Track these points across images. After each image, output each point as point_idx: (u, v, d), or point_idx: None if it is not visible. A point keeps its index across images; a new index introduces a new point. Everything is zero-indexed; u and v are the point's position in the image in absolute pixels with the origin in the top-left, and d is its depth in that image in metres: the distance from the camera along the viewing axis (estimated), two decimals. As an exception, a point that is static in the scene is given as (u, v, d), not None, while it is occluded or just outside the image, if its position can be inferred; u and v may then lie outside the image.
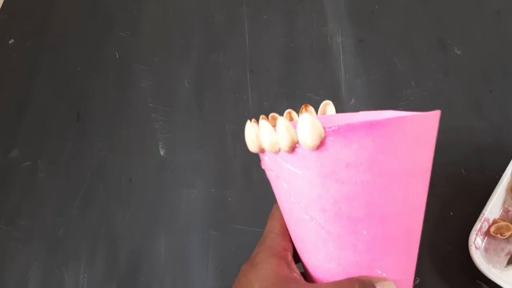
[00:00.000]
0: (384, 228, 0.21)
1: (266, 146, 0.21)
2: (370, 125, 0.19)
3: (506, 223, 0.32)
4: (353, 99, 0.42)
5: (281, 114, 0.25)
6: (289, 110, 0.27)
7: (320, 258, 0.22)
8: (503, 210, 0.33)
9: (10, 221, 0.42)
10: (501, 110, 0.40)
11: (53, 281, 0.39)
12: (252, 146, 0.22)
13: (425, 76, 0.43)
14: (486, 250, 0.32)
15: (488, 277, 0.30)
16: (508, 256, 0.32)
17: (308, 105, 0.27)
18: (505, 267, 0.32)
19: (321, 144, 0.19)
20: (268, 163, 0.22)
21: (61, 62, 0.51)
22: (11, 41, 0.54)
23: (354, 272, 0.22)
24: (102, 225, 0.41)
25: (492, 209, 0.33)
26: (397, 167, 0.20)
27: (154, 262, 0.38)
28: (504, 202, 0.33)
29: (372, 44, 0.46)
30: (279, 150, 0.21)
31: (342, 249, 0.21)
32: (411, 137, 0.20)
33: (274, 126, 0.25)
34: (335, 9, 0.49)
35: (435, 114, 0.22)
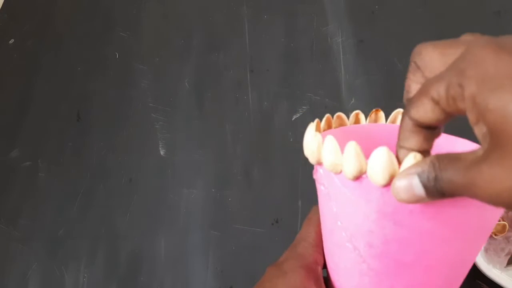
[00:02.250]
0: (426, 277, 0.20)
1: (326, 164, 0.19)
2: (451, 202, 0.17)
3: (504, 223, 0.32)
4: (353, 99, 0.42)
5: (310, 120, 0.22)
6: (357, 111, 0.25)
7: (351, 286, 0.21)
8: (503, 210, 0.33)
9: (10, 221, 0.42)
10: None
11: (53, 281, 0.39)
12: (310, 157, 0.21)
13: (425, 76, 0.43)
14: (486, 250, 0.32)
15: (488, 277, 0.30)
16: (508, 256, 0.32)
17: (379, 110, 0.25)
18: (505, 267, 0.32)
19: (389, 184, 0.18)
20: (322, 178, 0.21)
21: (61, 62, 0.51)
22: (11, 41, 0.54)
23: None
24: (102, 225, 0.41)
25: (492, 209, 0.33)
26: (461, 223, 0.19)
27: (154, 262, 0.38)
28: (504, 202, 0.33)
29: (372, 44, 0.46)
30: (340, 172, 0.19)
31: (378, 286, 0.21)
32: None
33: (337, 126, 0.24)
34: (335, 9, 0.49)
35: None
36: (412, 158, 0.17)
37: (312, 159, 0.20)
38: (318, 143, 0.20)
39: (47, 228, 0.41)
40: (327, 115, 0.23)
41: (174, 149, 0.43)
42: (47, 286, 0.38)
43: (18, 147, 0.46)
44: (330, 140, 0.19)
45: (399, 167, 0.17)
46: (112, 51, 0.50)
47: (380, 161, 0.18)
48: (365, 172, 0.18)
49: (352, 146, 0.18)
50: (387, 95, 0.42)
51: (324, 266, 0.23)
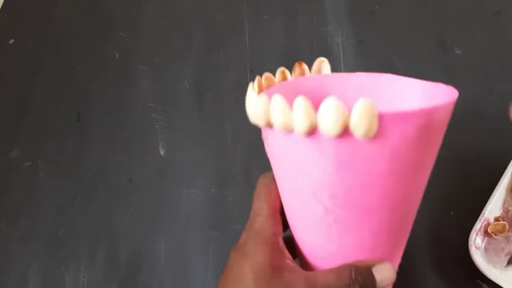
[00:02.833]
0: (392, 216, 0.21)
1: (277, 125, 0.19)
2: (401, 118, 0.17)
3: (504, 222, 0.32)
4: (353, 99, 0.42)
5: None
6: (282, 68, 0.24)
7: (319, 239, 0.21)
8: (503, 210, 0.33)
9: (10, 221, 0.42)
10: (501, 110, 0.40)
11: (53, 281, 0.39)
12: (257, 120, 0.20)
13: (425, 76, 0.43)
14: (486, 250, 0.32)
15: (488, 277, 0.30)
16: (508, 256, 0.32)
17: (302, 62, 0.25)
18: (505, 267, 0.32)
19: (344, 131, 0.17)
20: (273, 140, 0.20)
21: (61, 62, 0.51)
22: (11, 41, 0.54)
23: (353, 255, 0.21)
24: (102, 225, 0.41)
25: (492, 209, 0.33)
26: (414, 159, 0.19)
27: (154, 262, 0.38)
28: (504, 202, 0.33)
29: (372, 44, 0.46)
30: (292, 131, 0.18)
31: (346, 234, 0.21)
32: (439, 127, 0.20)
33: (268, 87, 0.24)
34: (335, 9, 0.49)
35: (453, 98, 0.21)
36: (361, 102, 0.16)
37: (260, 122, 0.20)
38: (265, 104, 0.19)
39: (47, 228, 0.41)
40: (257, 76, 0.22)
41: (174, 149, 0.43)
42: (47, 286, 0.38)
43: (18, 147, 0.46)
44: (278, 98, 0.18)
45: (349, 114, 0.17)
46: (112, 51, 0.50)
47: (330, 112, 0.17)
48: (316, 127, 0.18)
49: (300, 102, 0.17)
50: (387, 95, 0.42)
51: (285, 230, 0.23)
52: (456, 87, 0.44)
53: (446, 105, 0.20)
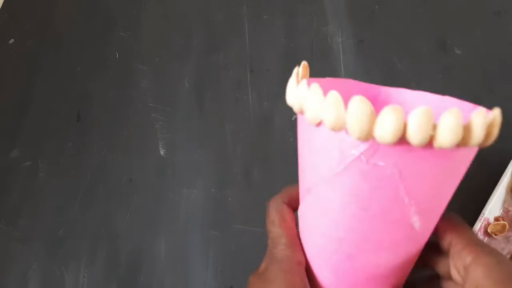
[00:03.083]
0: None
1: (417, 139, 0.16)
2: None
3: (504, 222, 0.32)
4: (353, 99, 0.42)
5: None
6: (305, 63, 0.23)
7: (393, 256, 0.20)
8: (503, 210, 0.33)
9: (10, 221, 0.42)
10: (501, 110, 0.40)
11: (53, 281, 0.39)
12: (371, 128, 0.17)
13: (425, 76, 0.43)
14: (486, 250, 0.32)
15: (488, 277, 0.30)
16: (508, 256, 0.32)
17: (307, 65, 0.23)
18: (505, 267, 0.32)
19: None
20: (377, 156, 0.18)
21: (61, 62, 0.51)
22: (11, 41, 0.54)
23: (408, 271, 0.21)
24: (102, 225, 0.41)
25: (492, 209, 0.33)
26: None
27: (154, 262, 0.38)
28: (504, 202, 0.33)
29: (372, 44, 0.46)
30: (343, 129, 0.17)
31: (412, 249, 0.21)
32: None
33: (303, 77, 0.23)
34: (335, 9, 0.49)
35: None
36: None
37: (389, 137, 0.17)
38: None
39: (47, 228, 0.41)
40: (297, 67, 0.21)
41: (174, 149, 0.43)
42: (47, 286, 0.38)
43: (18, 147, 0.46)
44: (427, 111, 0.16)
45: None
46: (112, 51, 0.50)
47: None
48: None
49: (451, 117, 0.16)
50: (387, 95, 0.42)
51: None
52: (456, 87, 0.44)
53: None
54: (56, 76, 0.50)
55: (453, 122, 0.16)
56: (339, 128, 0.17)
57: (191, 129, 0.44)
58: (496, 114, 0.18)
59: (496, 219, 0.33)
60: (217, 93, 0.46)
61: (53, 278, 0.39)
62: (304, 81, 0.19)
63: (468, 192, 0.37)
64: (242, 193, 0.40)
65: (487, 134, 0.18)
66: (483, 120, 0.18)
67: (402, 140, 0.16)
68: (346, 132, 0.17)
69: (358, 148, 0.17)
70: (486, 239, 0.33)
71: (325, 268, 0.21)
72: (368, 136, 0.16)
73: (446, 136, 0.16)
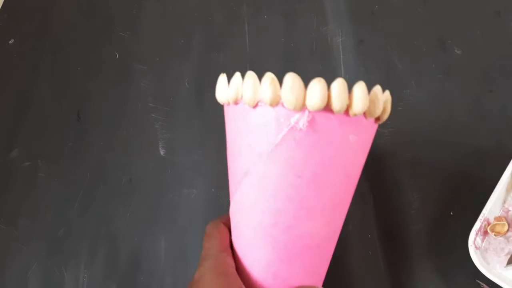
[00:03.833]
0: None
1: (336, 106, 0.21)
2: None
3: (504, 222, 0.32)
4: (353, 99, 0.42)
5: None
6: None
7: (322, 224, 0.23)
8: (503, 210, 0.33)
9: (10, 221, 0.42)
10: (501, 110, 0.40)
11: (53, 281, 0.39)
12: (302, 99, 0.21)
13: (425, 76, 0.43)
14: (486, 250, 0.32)
15: (488, 277, 0.30)
16: (508, 256, 0.32)
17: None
18: (505, 267, 0.32)
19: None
20: (311, 123, 0.22)
21: (61, 62, 0.51)
22: (11, 41, 0.54)
23: (335, 240, 0.24)
24: (102, 225, 0.41)
25: (492, 209, 0.33)
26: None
27: (154, 262, 0.38)
28: (504, 202, 0.33)
29: (372, 44, 0.46)
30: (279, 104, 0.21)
31: (342, 215, 0.24)
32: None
33: None
34: (335, 9, 0.49)
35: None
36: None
37: (316, 104, 0.21)
38: (326, 86, 0.22)
39: (47, 228, 0.41)
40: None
41: (174, 149, 0.43)
42: (47, 286, 0.38)
43: (18, 147, 0.46)
44: (343, 82, 0.21)
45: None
46: (112, 51, 0.50)
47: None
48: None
49: (362, 86, 0.21)
50: (387, 95, 0.42)
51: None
52: (456, 87, 0.44)
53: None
54: (56, 76, 0.50)
55: (362, 92, 0.21)
56: (276, 102, 0.21)
57: (191, 129, 0.44)
58: (387, 93, 0.23)
59: (496, 219, 0.33)
60: (217, 93, 0.46)
61: (53, 278, 0.39)
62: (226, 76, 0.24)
63: (468, 192, 0.37)
64: (242, 193, 0.40)
65: (385, 109, 0.23)
66: (381, 95, 0.22)
67: (327, 108, 0.21)
68: (282, 105, 0.21)
69: (293, 117, 0.21)
70: (486, 239, 0.33)
71: (263, 252, 0.23)
72: (301, 106, 0.21)
73: (358, 104, 0.21)
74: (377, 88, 0.22)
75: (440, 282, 0.34)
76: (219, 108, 0.46)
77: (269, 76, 0.21)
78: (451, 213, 0.36)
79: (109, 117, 0.46)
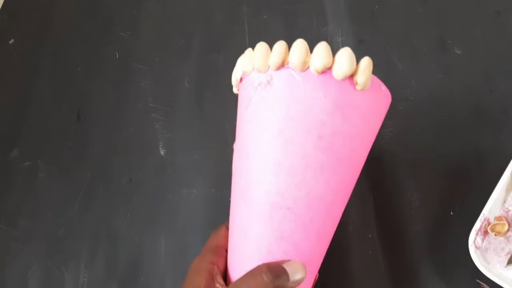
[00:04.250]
0: (351, 177, 0.24)
1: (294, 62, 0.22)
2: (381, 85, 0.24)
3: (504, 222, 0.32)
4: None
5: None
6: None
7: (290, 183, 0.23)
8: (503, 210, 0.33)
9: (10, 221, 0.42)
10: (501, 110, 0.40)
11: (53, 281, 0.39)
12: (266, 61, 0.23)
13: (425, 76, 0.43)
14: (486, 250, 0.32)
15: (488, 277, 0.30)
16: (508, 256, 0.32)
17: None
18: (505, 267, 0.32)
19: (349, 78, 0.22)
20: (271, 83, 0.23)
21: (61, 62, 0.51)
22: (11, 41, 0.54)
23: (317, 207, 0.23)
24: (102, 225, 0.41)
25: (492, 209, 0.33)
26: (373, 129, 0.24)
27: (154, 262, 0.38)
28: (504, 202, 0.33)
29: (372, 44, 0.46)
30: (307, 69, 0.22)
31: (318, 180, 0.23)
32: (385, 111, 0.25)
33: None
34: (335, 9, 0.49)
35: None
36: (367, 59, 0.22)
37: (274, 62, 0.23)
38: (285, 47, 0.24)
39: (47, 228, 0.41)
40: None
41: (174, 149, 0.43)
42: (47, 286, 0.38)
43: (18, 147, 0.46)
44: (300, 41, 0.23)
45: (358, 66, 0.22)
46: (112, 51, 0.50)
47: (345, 58, 0.21)
48: (330, 67, 0.22)
49: (323, 44, 0.22)
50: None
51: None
52: (456, 87, 0.44)
53: (389, 98, 0.26)
54: (56, 76, 0.50)
55: (322, 48, 0.23)
56: (250, 70, 0.24)
57: (191, 129, 0.44)
58: (366, 58, 0.23)
59: (496, 218, 0.33)
60: (217, 93, 0.46)
61: (53, 278, 0.39)
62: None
63: (468, 192, 0.37)
64: (242, 193, 0.40)
65: (360, 70, 0.23)
66: (348, 54, 0.22)
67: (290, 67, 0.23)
68: (256, 71, 0.23)
69: (259, 79, 0.24)
70: (486, 239, 0.33)
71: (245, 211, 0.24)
72: (265, 68, 0.23)
73: (315, 59, 0.22)
74: (347, 49, 0.22)
75: (440, 282, 0.34)
76: (219, 108, 0.46)
77: (256, 47, 0.24)
78: (451, 213, 0.36)
79: (109, 117, 0.46)
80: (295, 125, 0.22)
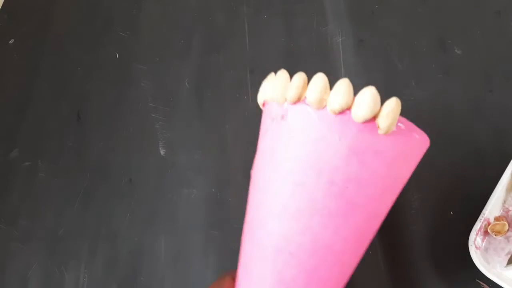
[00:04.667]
0: (366, 226, 0.22)
1: (311, 99, 0.20)
2: (410, 129, 0.21)
3: (504, 222, 0.32)
4: (353, 99, 0.42)
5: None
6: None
7: (295, 228, 0.21)
8: (503, 210, 0.33)
9: (10, 221, 0.42)
10: (501, 110, 0.40)
11: (53, 281, 0.39)
12: (283, 93, 0.21)
13: (425, 76, 0.43)
14: (486, 250, 0.32)
15: (488, 277, 0.30)
16: (508, 256, 0.32)
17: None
18: (505, 267, 0.32)
19: (370, 121, 0.20)
20: (291, 114, 0.21)
21: (61, 62, 0.51)
22: (11, 41, 0.54)
23: (322, 255, 0.21)
24: (102, 225, 0.41)
25: (492, 209, 0.33)
26: (402, 175, 0.22)
27: (154, 262, 0.38)
28: (504, 202, 0.33)
29: (372, 44, 0.46)
30: (324, 107, 0.20)
31: (325, 227, 0.21)
32: (420, 155, 0.23)
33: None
34: (335, 9, 0.49)
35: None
36: (393, 101, 0.20)
37: (288, 95, 0.21)
38: (304, 80, 0.21)
39: (47, 228, 0.41)
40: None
41: (174, 149, 0.43)
42: (47, 286, 0.38)
43: (17, 147, 0.46)
44: (321, 75, 0.21)
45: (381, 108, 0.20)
46: (112, 51, 0.50)
47: (368, 98, 0.20)
48: (350, 108, 0.20)
49: (345, 81, 0.20)
50: (387, 95, 0.42)
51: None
52: (456, 87, 0.44)
53: (426, 142, 0.24)
54: (56, 76, 0.50)
55: (342, 87, 0.20)
56: (270, 99, 0.23)
57: (191, 129, 0.44)
58: (393, 99, 0.21)
59: (496, 219, 0.33)
60: (217, 93, 0.46)
61: (53, 278, 0.39)
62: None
63: (468, 192, 0.37)
64: (242, 193, 0.40)
65: (384, 114, 0.21)
66: (372, 95, 0.20)
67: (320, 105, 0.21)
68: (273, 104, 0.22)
69: (275, 112, 0.22)
70: (486, 239, 0.33)
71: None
72: (283, 101, 0.21)
73: (334, 98, 0.20)
74: (371, 89, 0.20)
75: (440, 282, 0.34)
76: (219, 108, 0.46)
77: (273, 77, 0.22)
78: (451, 213, 0.36)
79: (109, 117, 0.46)
80: (305, 167, 0.21)
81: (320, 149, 0.20)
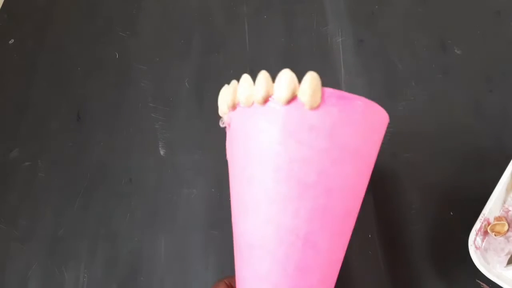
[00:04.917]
0: (328, 201, 0.22)
1: (241, 99, 0.22)
2: (341, 96, 0.21)
3: (504, 222, 0.32)
4: (353, 99, 0.42)
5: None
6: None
7: (258, 221, 0.22)
8: (503, 210, 0.33)
9: (10, 221, 0.42)
10: (501, 110, 0.40)
11: (53, 281, 0.39)
12: (225, 105, 0.24)
13: (425, 76, 0.43)
14: (486, 250, 0.32)
15: (488, 277, 0.30)
16: (508, 256, 0.32)
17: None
18: (505, 267, 0.32)
19: (292, 100, 0.20)
20: (233, 120, 0.23)
21: (61, 62, 0.51)
22: (11, 41, 0.54)
23: (289, 241, 0.21)
24: (102, 225, 0.41)
25: (492, 209, 0.33)
26: (351, 144, 0.21)
27: (154, 262, 0.38)
28: (504, 202, 0.33)
29: (372, 44, 0.46)
30: (252, 103, 0.22)
31: (284, 212, 0.21)
32: (369, 122, 0.22)
33: None
34: (335, 9, 0.49)
35: (385, 116, 0.24)
36: (309, 75, 0.20)
37: (227, 104, 0.23)
38: (235, 87, 0.23)
39: (47, 228, 0.41)
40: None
41: (174, 149, 0.43)
42: (47, 286, 0.38)
43: (17, 147, 0.46)
44: (246, 76, 0.22)
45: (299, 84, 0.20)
46: (112, 51, 0.50)
47: (283, 79, 0.20)
48: (271, 95, 0.21)
49: (262, 74, 0.21)
50: (387, 95, 0.42)
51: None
52: (456, 87, 0.44)
53: (382, 112, 0.23)
54: (56, 76, 0.50)
55: (261, 79, 0.21)
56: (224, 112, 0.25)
57: (191, 129, 0.44)
58: (311, 74, 0.21)
59: (496, 219, 0.33)
60: (217, 93, 0.46)
61: (53, 278, 0.39)
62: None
63: (468, 192, 0.37)
64: (242, 193, 0.40)
65: (299, 88, 0.21)
66: (285, 76, 0.21)
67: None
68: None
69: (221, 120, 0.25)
70: (486, 239, 0.33)
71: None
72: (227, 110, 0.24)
73: (258, 91, 0.21)
74: (285, 71, 0.21)
75: (440, 282, 0.34)
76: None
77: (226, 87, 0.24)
78: (451, 213, 0.36)
79: (109, 117, 0.46)
80: (252, 161, 0.22)
81: (259, 141, 0.21)
